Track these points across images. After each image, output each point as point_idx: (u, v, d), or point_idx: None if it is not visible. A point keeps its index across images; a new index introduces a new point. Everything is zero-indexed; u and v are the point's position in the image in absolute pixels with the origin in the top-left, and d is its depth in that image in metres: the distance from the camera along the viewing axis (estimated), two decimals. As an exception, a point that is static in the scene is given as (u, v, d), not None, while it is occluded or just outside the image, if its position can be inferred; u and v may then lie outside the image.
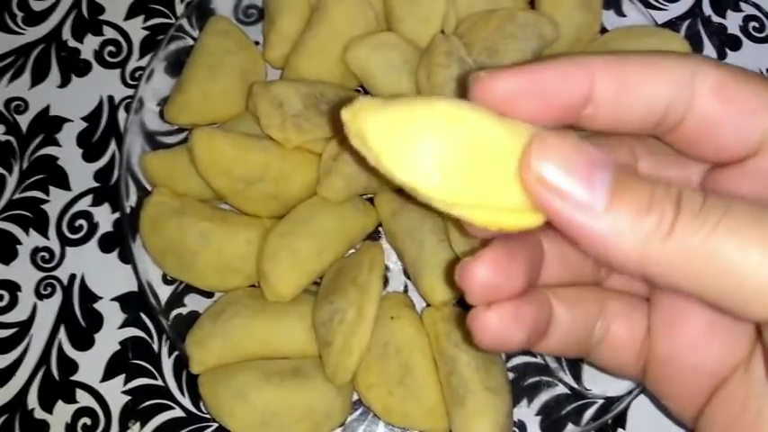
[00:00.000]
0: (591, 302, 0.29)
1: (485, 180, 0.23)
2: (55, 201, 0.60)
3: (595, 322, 0.29)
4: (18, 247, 0.59)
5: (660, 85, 0.24)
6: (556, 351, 0.30)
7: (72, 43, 0.64)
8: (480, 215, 0.23)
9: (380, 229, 0.57)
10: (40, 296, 0.57)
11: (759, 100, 0.24)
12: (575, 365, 0.54)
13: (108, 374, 0.55)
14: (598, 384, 0.53)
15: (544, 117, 0.25)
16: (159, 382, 0.55)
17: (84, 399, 0.55)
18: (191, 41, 0.60)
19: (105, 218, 0.59)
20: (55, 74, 0.63)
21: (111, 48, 0.64)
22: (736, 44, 0.63)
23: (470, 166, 0.23)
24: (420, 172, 0.23)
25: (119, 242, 0.58)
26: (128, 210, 0.55)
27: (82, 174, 0.60)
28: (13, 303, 0.57)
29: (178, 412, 0.54)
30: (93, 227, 0.59)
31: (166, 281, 0.55)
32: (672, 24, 0.64)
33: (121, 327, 0.56)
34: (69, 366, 0.56)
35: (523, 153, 0.23)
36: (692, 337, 0.27)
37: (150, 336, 0.56)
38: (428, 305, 0.54)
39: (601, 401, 0.52)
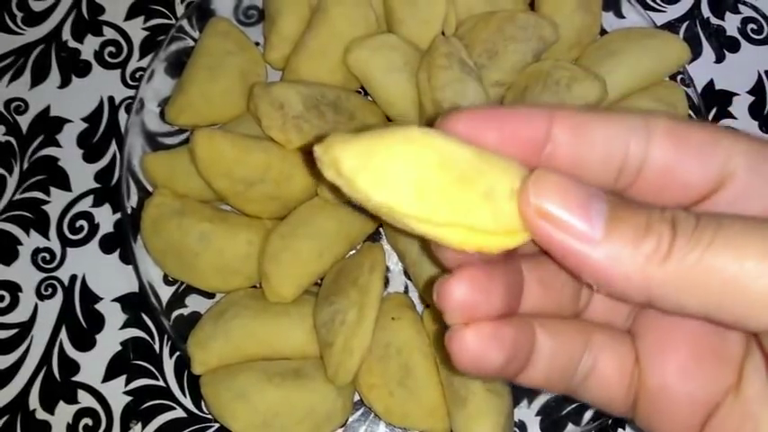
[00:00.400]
0: (575, 333, 0.29)
1: (459, 200, 0.23)
2: (56, 201, 0.60)
3: (581, 355, 0.29)
4: (19, 247, 0.59)
5: (616, 128, 0.25)
6: (540, 383, 0.29)
7: (72, 44, 0.64)
8: (457, 235, 0.24)
9: (381, 230, 0.57)
10: (41, 297, 0.57)
11: (710, 136, 0.25)
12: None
13: (109, 375, 0.55)
14: (597, 385, 0.53)
15: (506, 151, 0.25)
16: (161, 383, 0.55)
17: (85, 399, 0.55)
18: (191, 42, 0.60)
19: (106, 219, 0.59)
20: (55, 74, 0.63)
21: (111, 48, 0.64)
22: (734, 46, 0.64)
23: (444, 185, 0.23)
24: (394, 190, 0.23)
25: (120, 243, 0.58)
26: (129, 210, 0.55)
27: (82, 174, 0.60)
28: (14, 304, 0.57)
29: (180, 413, 0.54)
30: (93, 227, 0.59)
31: (167, 281, 0.56)
32: (670, 26, 0.64)
33: (123, 327, 0.57)
34: (71, 367, 0.56)
35: (522, 187, 0.24)
36: (682, 365, 0.27)
37: (152, 336, 0.56)
38: (429, 306, 0.54)
39: (600, 401, 0.53)
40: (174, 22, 0.64)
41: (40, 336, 0.56)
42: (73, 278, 0.58)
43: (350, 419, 0.53)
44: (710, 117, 0.61)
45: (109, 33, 0.64)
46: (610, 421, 0.52)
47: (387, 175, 0.23)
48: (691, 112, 0.57)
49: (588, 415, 0.52)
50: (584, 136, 0.25)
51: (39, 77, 0.63)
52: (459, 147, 0.24)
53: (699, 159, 0.25)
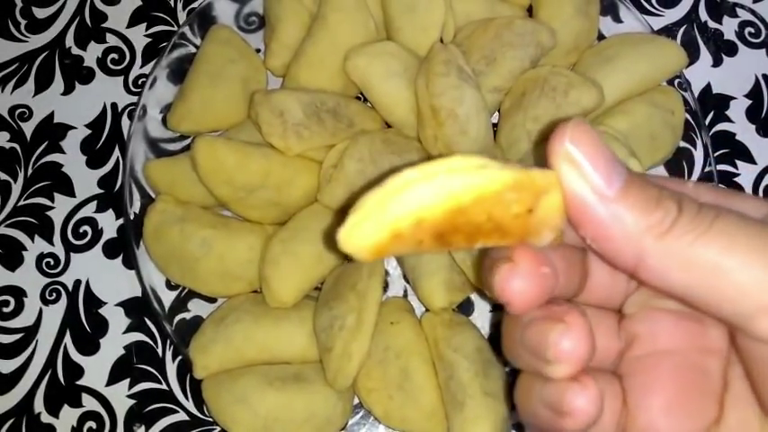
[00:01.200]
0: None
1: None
2: (60, 207, 0.60)
3: None
4: (23, 253, 0.59)
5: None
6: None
7: (75, 51, 0.65)
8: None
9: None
10: (45, 302, 0.58)
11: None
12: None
13: (113, 379, 0.56)
14: (595, 388, 0.54)
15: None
16: (163, 387, 0.56)
17: (89, 403, 0.56)
18: (193, 49, 0.61)
19: (109, 224, 0.60)
20: (58, 81, 0.64)
21: (113, 55, 0.65)
22: (732, 50, 0.64)
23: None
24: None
25: (123, 248, 0.59)
26: (131, 216, 0.56)
27: (86, 180, 0.61)
28: (19, 309, 0.58)
29: (182, 416, 0.55)
30: (97, 233, 0.60)
31: (170, 286, 0.56)
32: (668, 30, 0.64)
33: (126, 332, 0.57)
34: (75, 371, 0.57)
35: (559, 130, 0.25)
36: (667, 403, 0.27)
37: (154, 340, 0.57)
38: (427, 310, 0.54)
39: (598, 404, 0.53)
40: (176, 29, 0.65)
41: (45, 340, 0.57)
42: (77, 283, 0.58)
43: (349, 423, 0.54)
44: (708, 121, 0.61)
45: (112, 40, 0.65)
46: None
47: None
48: (688, 116, 0.58)
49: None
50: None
51: (42, 84, 0.64)
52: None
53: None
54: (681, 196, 0.25)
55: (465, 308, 0.56)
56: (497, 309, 0.56)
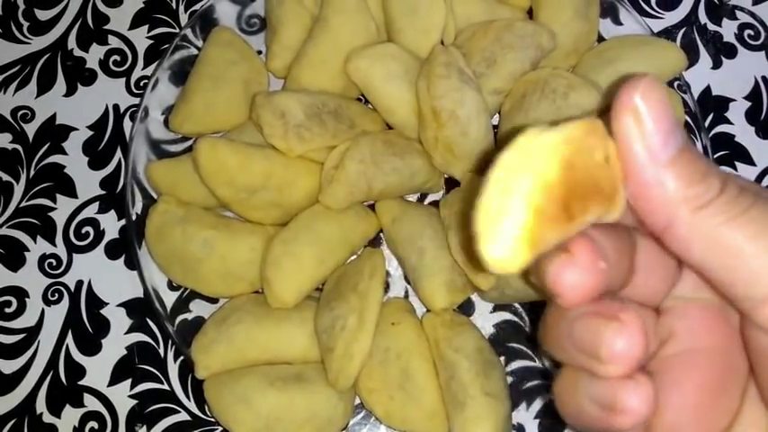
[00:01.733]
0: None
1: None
2: (62, 208, 0.61)
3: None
4: (26, 254, 0.60)
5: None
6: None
7: (77, 52, 0.65)
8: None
9: (381, 235, 0.58)
10: (47, 302, 0.58)
11: None
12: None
13: (115, 379, 0.56)
14: (595, 388, 0.54)
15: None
16: (165, 387, 0.56)
17: (91, 403, 0.56)
18: (195, 51, 0.61)
19: (111, 225, 0.60)
20: (61, 83, 0.64)
21: (116, 57, 0.65)
22: (731, 52, 0.64)
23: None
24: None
25: (125, 249, 0.59)
26: (133, 217, 0.56)
27: (88, 182, 0.61)
28: (21, 309, 0.58)
29: (184, 416, 0.55)
30: (99, 234, 0.60)
31: (172, 287, 0.57)
32: (668, 33, 0.65)
33: (128, 332, 0.58)
34: (77, 371, 0.57)
35: (632, 82, 0.25)
36: (697, 399, 0.27)
37: (156, 341, 0.57)
38: (428, 311, 0.55)
39: (598, 405, 0.53)
40: (177, 31, 0.65)
41: (47, 340, 0.57)
42: (79, 284, 0.59)
43: (350, 423, 0.54)
44: (707, 123, 0.62)
45: (114, 42, 0.65)
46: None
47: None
48: (687, 118, 0.58)
49: (586, 418, 0.53)
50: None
51: (45, 86, 0.64)
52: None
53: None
54: (727, 177, 0.25)
55: (466, 308, 0.56)
56: (498, 310, 0.57)
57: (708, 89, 0.63)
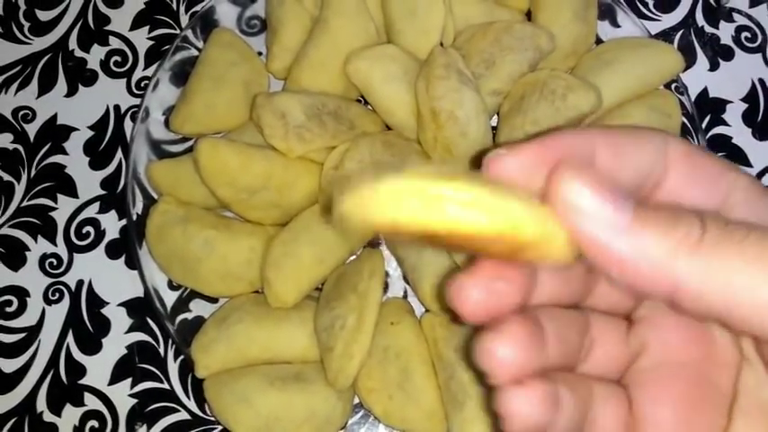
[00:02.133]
0: (585, 387, 0.28)
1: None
2: (63, 208, 0.61)
3: (589, 409, 0.28)
4: (27, 253, 0.60)
5: (645, 152, 0.26)
6: None
7: (78, 53, 0.65)
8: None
9: (380, 235, 0.58)
10: (48, 302, 0.59)
11: (718, 168, 0.26)
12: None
13: (115, 378, 0.57)
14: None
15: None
16: (165, 386, 0.56)
17: (91, 402, 0.56)
18: (195, 52, 0.62)
19: (112, 225, 0.60)
20: (62, 83, 0.65)
21: (117, 57, 0.65)
22: (728, 54, 0.65)
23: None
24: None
25: (125, 249, 0.60)
26: (134, 217, 0.56)
27: (89, 182, 0.62)
28: (22, 309, 0.59)
29: (184, 415, 0.56)
30: (100, 234, 0.60)
31: (172, 286, 0.57)
32: (665, 35, 0.65)
33: (128, 331, 0.58)
34: (77, 370, 0.57)
35: (552, 174, 0.23)
36: (676, 415, 0.27)
37: (156, 340, 0.57)
38: (427, 311, 0.55)
39: (595, 404, 0.54)
40: (178, 32, 0.65)
41: (48, 340, 0.58)
42: (79, 283, 0.59)
43: (349, 422, 0.54)
44: (704, 125, 0.62)
45: (115, 43, 0.66)
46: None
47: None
48: (685, 120, 0.58)
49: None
50: (621, 156, 0.25)
51: (46, 86, 0.65)
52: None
53: (706, 188, 0.26)
54: (698, 210, 0.23)
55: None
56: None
57: (705, 91, 0.64)
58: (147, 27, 0.66)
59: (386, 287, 0.57)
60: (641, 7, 0.66)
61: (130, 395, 0.56)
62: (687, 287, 0.22)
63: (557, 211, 0.23)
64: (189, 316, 0.56)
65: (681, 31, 0.65)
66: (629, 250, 0.22)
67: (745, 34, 0.65)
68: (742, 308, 0.22)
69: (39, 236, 0.60)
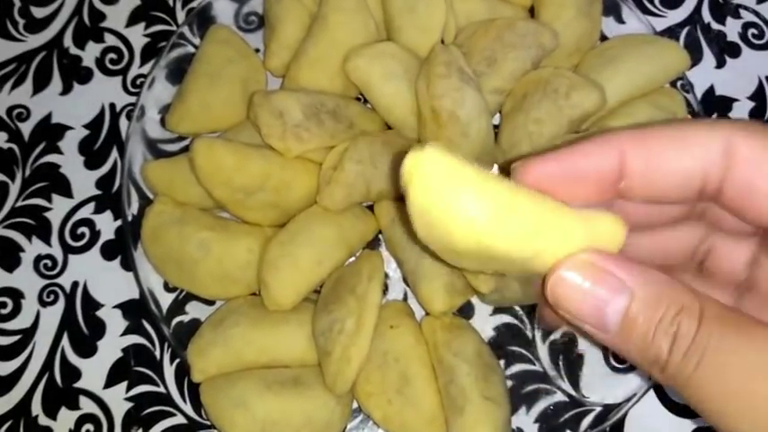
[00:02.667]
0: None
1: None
2: (57, 208, 0.60)
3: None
4: (21, 254, 0.59)
5: (691, 157, 0.26)
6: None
7: (73, 50, 0.64)
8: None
9: (380, 236, 0.57)
10: (43, 303, 0.58)
11: None
12: (573, 373, 0.54)
13: (110, 381, 0.56)
14: (596, 392, 0.54)
15: (582, 196, 0.27)
16: (161, 389, 0.55)
17: (87, 405, 0.56)
18: (192, 49, 0.61)
19: (107, 226, 0.60)
20: (57, 81, 0.64)
21: (112, 55, 0.64)
22: (735, 51, 0.63)
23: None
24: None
25: (121, 250, 0.59)
26: (129, 218, 0.56)
27: (84, 181, 0.61)
28: (16, 311, 0.58)
29: (180, 419, 0.55)
30: (95, 235, 0.59)
31: (168, 288, 0.56)
32: (671, 31, 0.64)
33: (123, 334, 0.57)
34: (72, 373, 0.56)
35: (544, 283, 0.26)
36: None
37: (152, 343, 0.57)
38: (427, 314, 0.54)
39: (599, 409, 0.53)
40: (174, 28, 0.64)
41: (42, 342, 0.57)
42: (74, 285, 0.58)
43: (348, 427, 0.53)
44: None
45: (110, 40, 0.65)
46: (608, 429, 0.52)
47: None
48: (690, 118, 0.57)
49: (586, 422, 0.53)
50: (658, 169, 0.26)
51: (40, 84, 0.64)
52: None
53: None
54: (676, 331, 0.24)
55: (465, 311, 0.56)
56: (497, 312, 0.56)
57: (711, 89, 0.62)
58: (143, 24, 0.65)
59: (385, 289, 0.56)
60: (647, 3, 0.65)
61: (126, 399, 0.55)
62: (671, 383, 0.25)
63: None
64: (185, 318, 0.56)
65: (687, 28, 0.64)
66: (618, 345, 0.26)
67: (752, 31, 0.64)
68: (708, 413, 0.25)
69: (33, 236, 0.59)
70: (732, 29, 0.64)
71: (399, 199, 0.54)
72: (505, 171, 0.27)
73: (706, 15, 0.65)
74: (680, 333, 0.24)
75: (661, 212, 0.29)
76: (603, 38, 0.61)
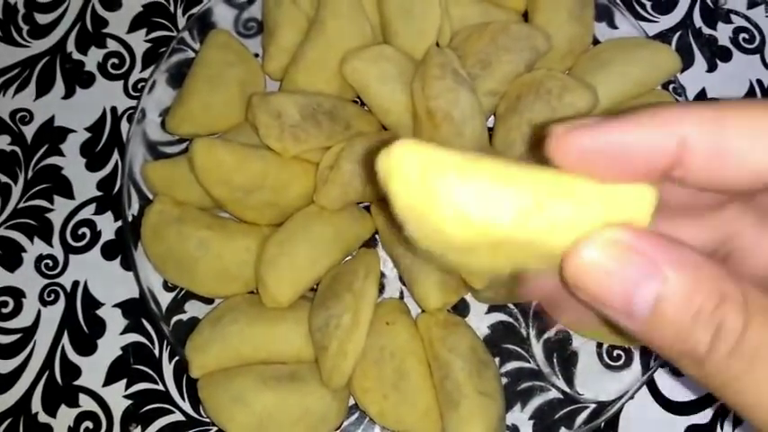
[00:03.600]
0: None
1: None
2: (59, 209, 0.61)
3: None
4: (23, 254, 0.60)
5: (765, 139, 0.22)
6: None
7: (76, 55, 0.66)
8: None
9: (376, 236, 0.58)
10: (44, 302, 0.59)
11: None
12: (567, 370, 0.55)
13: (110, 379, 0.57)
14: (590, 389, 0.54)
15: (625, 179, 0.23)
16: (160, 387, 0.56)
17: (86, 403, 0.56)
18: (192, 54, 0.62)
19: (108, 226, 0.60)
20: (59, 85, 0.65)
21: (114, 60, 0.65)
22: (726, 55, 0.64)
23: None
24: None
25: (121, 250, 0.59)
26: (129, 218, 0.56)
27: (85, 183, 0.62)
28: (17, 309, 0.58)
29: (178, 416, 0.55)
30: (95, 235, 0.60)
31: (167, 287, 0.57)
32: (663, 36, 0.65)
33: (123, 332, 0.58)
34: (72, 371, 0.57)
35: (564, 271, 0.22)
36: None
37: (151, 341, 0.57)
38: (423, 311, 0.55)
39: (593, 406, 0.53)
40: (175, 34, 0.65)
41: (43, 340, 0.58)
42: (75, 284, 0.59)
43: (345, 423, 0.54)
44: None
45: (112, 45, 0.66)
46: (602, 425, 0.53)
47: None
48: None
49: (581, 419, 0.53)
50: (728, 161, 0.22)
51: (43, 88, 0.65)
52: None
53: None
54: (723, 317, 0.21)
55: (461, 309, 0.56)
56: (492, 310, 0.57)
57: (703, 92, 0.63)
58: (145, 29, 0.66)
59: (382, 288, 0.57)
60: (639, 9, 0.66)
61: (125, 396, 0.56)
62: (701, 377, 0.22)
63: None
64: (184, 317, 0.56)
65: (678, 33, 0.65)
66: (646, 333, 0.22)
67: (742, 35, 0.65)
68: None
69: (35, 237, 0.60)
70: (723, 33, 0.65)
71: (383, 200, 0.55)
72: (539, 141, 0.24)
73: (697, 20, 0.66)
74: (725, 326, 0.21)
75: (705, 197, 0.25)
76: (596, 42, 0.62)
